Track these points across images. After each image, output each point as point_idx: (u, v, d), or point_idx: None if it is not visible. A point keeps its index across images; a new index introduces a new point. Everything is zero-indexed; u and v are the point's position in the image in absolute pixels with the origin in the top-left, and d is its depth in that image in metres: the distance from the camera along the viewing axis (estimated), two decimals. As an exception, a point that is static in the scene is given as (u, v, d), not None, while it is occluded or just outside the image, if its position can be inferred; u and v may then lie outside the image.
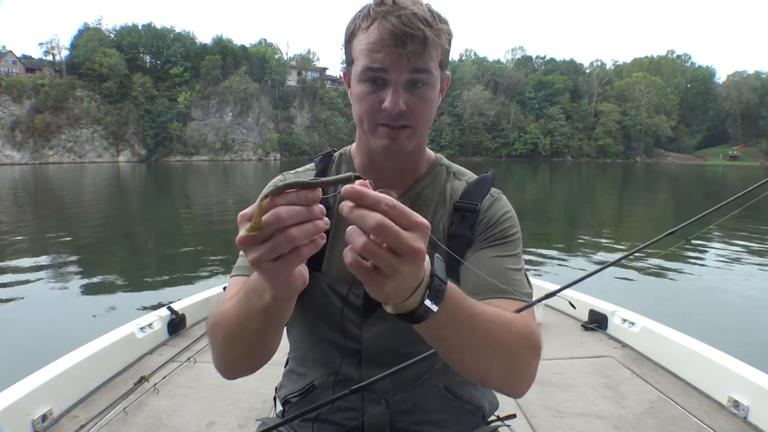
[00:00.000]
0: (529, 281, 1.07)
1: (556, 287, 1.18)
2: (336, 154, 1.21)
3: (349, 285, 1.07)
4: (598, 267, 1.23)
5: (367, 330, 1.07)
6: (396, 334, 1.06)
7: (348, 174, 0.62)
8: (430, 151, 1.19)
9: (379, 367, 1.06)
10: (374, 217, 0.58)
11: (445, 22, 0.97)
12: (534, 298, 1.04)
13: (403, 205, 0.60)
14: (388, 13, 0.91)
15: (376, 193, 0.59)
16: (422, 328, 0.72)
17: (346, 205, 0.60)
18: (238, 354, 0.90)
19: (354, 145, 1.17)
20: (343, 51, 1.03)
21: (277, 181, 1.17)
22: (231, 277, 1.10)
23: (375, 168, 1.11)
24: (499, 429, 1.23)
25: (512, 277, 1.02)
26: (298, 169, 1.22)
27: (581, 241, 12.12)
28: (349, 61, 1.01)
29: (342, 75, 1.07)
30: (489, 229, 1.07)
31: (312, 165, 1.20)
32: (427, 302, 0.68)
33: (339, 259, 1.08)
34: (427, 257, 0.67)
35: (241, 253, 1.09)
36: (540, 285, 4.32)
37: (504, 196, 1.14)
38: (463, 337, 0.78)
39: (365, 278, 0.61)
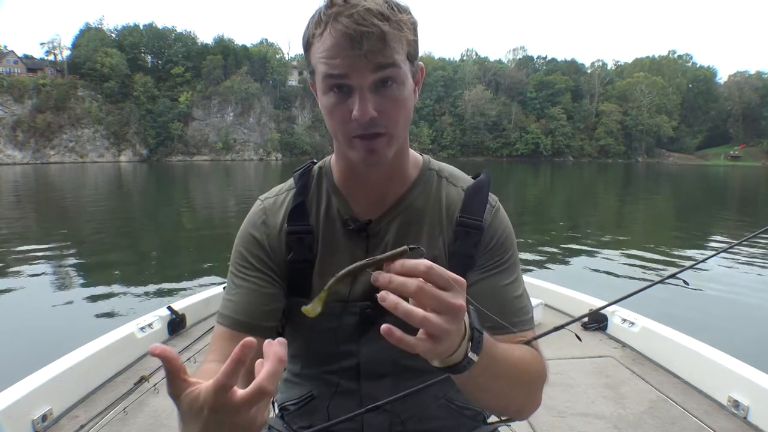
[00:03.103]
0: (528, 301, 1.07)
1: (557, 288, 1.18)
2: (315, 167, 1.13)
3: (342, 305, 1.02)
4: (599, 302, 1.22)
5: (365, 346, 1.04)
6: (395, 347, 1.03)
7: (403, 248, 0.65)
8: (417, 154, 1.11)
9: (379, 379, 1.05)
10: (413, 282, 0.62)
11: (406, 11, 0.89)
12: (535, 299, 1.04)
13: (438, 266, 0.63)
14: (339, 14, 0.83)
15: (411, 261, 0.63)
16: (460, 376, 0.74)
17: (382, 277, 0.63)
18: None
19: (333, 157, 1.10)
20: (306, 62, 0.96)
21: (256, 212, 1.09)
22: (217, 323, 1.05)
23: (359, 180, 1.04)
24: (499, 429, 1.23)
25: (518, 306, 1.02)
26: (276, 189, 1.14)
27: (583, 242, 12.11)
28: (311, 71, 0.94)
29: (310, 86, 0.99)
30: (492, 251, 1.03)
31: (291, 182, 1.12)
32: (470, 354, 0.71)
33: (328, 281, 1.05)
34: None
35: (225, 296, 1.06)
36: (541, 286, 4.32)
37: (500, 204, 1.10)
38: (491, 381, 0.81)
39: (420, 347, 0.65)
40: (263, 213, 1.08)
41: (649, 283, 1.14)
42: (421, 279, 0.62)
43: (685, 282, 1.05)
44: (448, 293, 0.63)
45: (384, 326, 0.63)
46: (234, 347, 0.99)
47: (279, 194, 1.11)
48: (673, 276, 1.09)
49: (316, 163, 1.14)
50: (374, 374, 1.06)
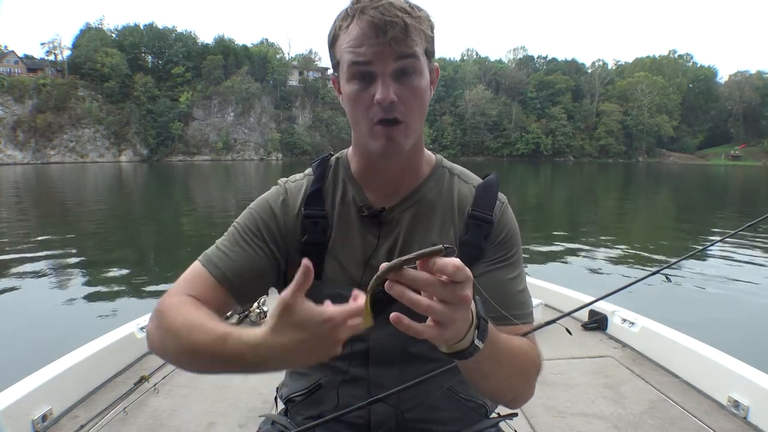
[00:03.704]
0: (529, 297, 1.11)
1: (557, 288, 1.19)
2: (333, 158, 1.18)
3: (353, 289, 1.05)
4: (590, 297, 1.23)
5: (375, 330, 1.04)
6: (404, 333, 1.04)
7: (438, 247, 0.67)
8: (430, 153, 1.17)
9: (387, 366, 1.07)
10: (422, 276, 0.67)
11: (424, 11, 0.97)
12: (535, 299, 1.05)
13: (463, 265, 0.68)
14: (365, 7, 0.91)
15: (443, 260, 0.67)
16: (465, 362, 0.80)
17: (392, 275, 0.68)
18: (196, 369, 0.92)
19: (351, 149, 1.15)
20: (329, 58, 1.02)
21: (278, 190, 1.14)
22: (198, 260, 1.07)
23: (375, 172, 1.10)
24: (500, 426, 1.23)
25: (521, 300, 1.08)
26: (296, 176, 1.19)
27: (584, 243, 12.10)
28: (335, 65, 1.01)
29: (332, 82, 1.06)
30: (500, 245, 1.08)
31: (309, 170, 1.17)
32: (476, 341, 0.77)
33: (341, 265, 1.08)
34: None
35: (220, 245, 1.08)
36: (541, 286, 4.31)
37: (508, 203, 1.15)
38: (493, 368, 0.88)
39: (428, 334, 0.71)
40: (284, 192, 1.14)
41: (633, 279, 1.17)
42: (427, 274, 0.67)
43: (667, 278, 1.08)
44: (457, 285, 0.68)
45: (393, 314, 0.68)
46: (214, 295, 1.02)
47: (299, 180, 1.17)
48: (658, 272, 1.11)
49: (333, 155, 1.19)
50: (382, 360, 1.08)
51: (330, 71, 1.06)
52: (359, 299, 0.73)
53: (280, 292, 1.15)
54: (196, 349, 0.85)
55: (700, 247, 1.17)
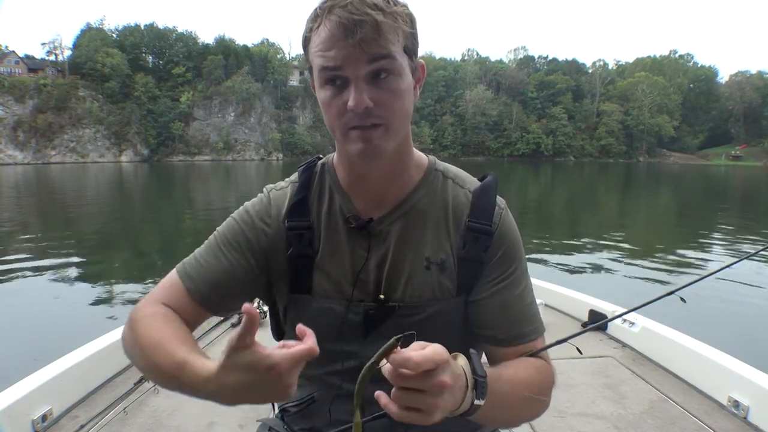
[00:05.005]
0: (536, 304, 1.08)
1: (558, 288, 1.17)
2: (319, 163, 1.11)
3: (347, 303, 1.01)
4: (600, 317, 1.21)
5: (368, 347, 0.99)
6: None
7: (391, 341, 0.68)
8: (422, 155, 1.08)
9: (381, 382, 1.03)
10: (389, 374, 0.69)
11: (401, 4, 0.89)
12: (539, 299, 1.03)
13: (426, 356, 0.68)
14: (334, 6, 0.83)
15: (401, 359, 0.67)
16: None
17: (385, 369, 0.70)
18: (160, 386, 0.93)
19: (336, 155, 1.08)
20: (306, 61, 0.95)
21: (262, 200, 1.08)
22: (175, 268, 1.06)
23: (360, 177, 1.02)
24: (498, 429, 1.22)
25: (530, 314, 1.04)
26: (282, 183, 1.12)
27: (584, 242, 12.09)
28: (309, 68, 0.94)
29: (310, 85, 0.98)
30: (502, 259, 1.02)
31: (295, 176, 1.10)
32: (477, 402, 0.77)
33: (331, 278, 1.02)
34: (462, 357, 0.77)
35: (199, 254, 1.06)
36: (542, 286, 4.31)
37: (507, 207, 1.07)
38: (500, 411, 0.87)
39: (415, 421, 0.71)
40: (268, 201, 1.07)
41: (649, 300, 1.12)
42: (393, 369, 0.69)
43: (682, 299, 1.04)
44: (428, 374, 0.68)
45: (377, 393, 0.70)
46: (187, 306, 1.01)
47: (284, 188, 1.10)
48: (672, 293, 1.08)
49: (320, 159, 1.13)
50: (376, 377, 1.04)
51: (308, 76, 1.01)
52: (307, 337, 0.71)
53: (267, 303, 1.13)
54: (157, 369, 0.86)
55: (716, 268, 1.11)
